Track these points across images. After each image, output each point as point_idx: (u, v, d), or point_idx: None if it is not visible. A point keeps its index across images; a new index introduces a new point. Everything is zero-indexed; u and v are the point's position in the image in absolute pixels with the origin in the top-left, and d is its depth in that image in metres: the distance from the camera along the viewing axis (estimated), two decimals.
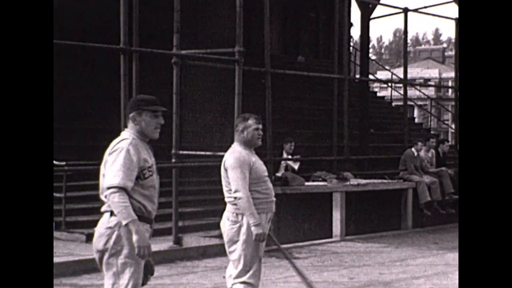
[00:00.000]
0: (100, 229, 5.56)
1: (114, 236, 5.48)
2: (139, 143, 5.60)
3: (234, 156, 7.09)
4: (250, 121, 7.14)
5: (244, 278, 7.03)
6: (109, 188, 5.40)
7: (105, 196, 5.50)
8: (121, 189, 5.38)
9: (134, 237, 5.36)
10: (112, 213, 5.47)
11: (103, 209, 5.59)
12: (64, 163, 13.05)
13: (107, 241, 5.49)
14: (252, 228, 6.89)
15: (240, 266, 7.04)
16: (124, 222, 5.35)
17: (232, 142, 7.33)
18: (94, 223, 14.37)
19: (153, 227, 5.82)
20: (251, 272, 7.04)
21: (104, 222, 5.54)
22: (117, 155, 5.50)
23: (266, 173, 7.19)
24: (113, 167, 5.48)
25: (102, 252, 5.55)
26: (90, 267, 10.85)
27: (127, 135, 5.63)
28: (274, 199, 7.24)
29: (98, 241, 5.55)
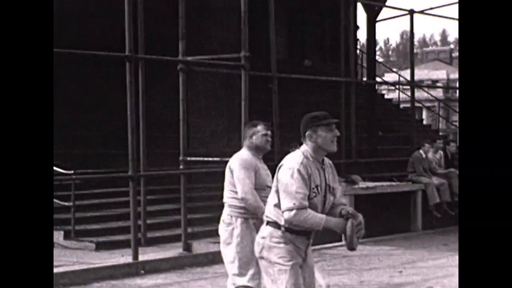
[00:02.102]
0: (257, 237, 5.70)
1: (266, 246, 5.54)
2: (310, 162, 5.51)
3: (241, 158, 7.13)
4: (259, 127, 7.22)
5: (242, 282, 6.99)
6: (286, 210, 5.40)
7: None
8: (301, 209, 5.38)
9: (335, 227, 5.55)
10: (268, 223, 5.57)
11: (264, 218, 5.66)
12: (71, 171, 13.07)
13: (261, 250, 5.56)
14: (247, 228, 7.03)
15: (235, 270, 7.02)
16: (321, 227, 5.47)
17: (239, 147, 7.32)
18: (104, 231, 14.46)
19: (310, 238, 5.69)
20: (248, 275, 7.00)
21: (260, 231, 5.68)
22: (290, 176, 5.43)
23: (269, 183, 7.05)
24: (286, 188, 5.42)
25: (259, 259, 5.66)
26: (99, 275, 10.88)
27: (299, 155, 5.54)
28: None
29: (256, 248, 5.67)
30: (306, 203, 5.38)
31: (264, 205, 6.89)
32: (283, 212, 5.39)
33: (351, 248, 5.79)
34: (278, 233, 5.47)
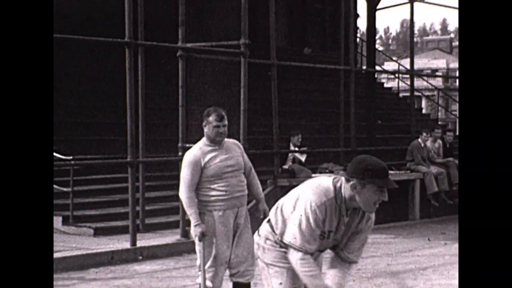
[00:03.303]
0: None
1: (261, 247, 5.20)
2: (334, 207, 4.87)
3: (186, 154, 7.11)
4: (211, 118, 7.02)
5: (201, 279, 7.03)
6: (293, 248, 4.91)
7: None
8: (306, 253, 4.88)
9: None
10: (269, 220, 5.13)
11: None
12: (71, 157, 13.08)
13: (257, 250, 5.20)
14: (191, 228, 6.99)
15: (197, 264, 7.09)
16: None
17: (238, 134, 7.38)
18: (102, 217, 14.47)
19: None
20: (209, 274, 7.02)
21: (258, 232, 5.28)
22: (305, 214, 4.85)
23: (229, 169, 7.05)
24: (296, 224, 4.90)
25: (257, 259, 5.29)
26: (98, 261, 10.91)
27: (329, 190, 4.85)
28: (239, 194, 7.13)
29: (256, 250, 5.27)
30: (313, 247, 4.90)
31: (223, 195, 6.88)
32: (288, 242, 4.90)
33: None
34: (275, 237, 5.05)
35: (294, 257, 4.89)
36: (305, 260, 4.87)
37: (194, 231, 6.97)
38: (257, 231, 5.23)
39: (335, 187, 4.85)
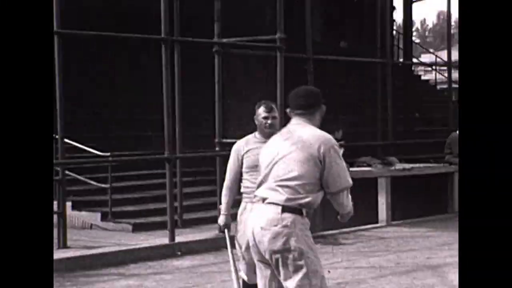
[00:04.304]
0: (273, 228, 4.88)
1: (294, 236, 4.87)
2: None
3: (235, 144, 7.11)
4: (260, 109, 7.01)
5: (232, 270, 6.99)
6: (343, 191, 4.98)
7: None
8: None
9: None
10: (284, 209, 4.89)
11: (272, 200, 4.95)
12: (108, 154, 13.15)
13: (286, 241, 4.86)
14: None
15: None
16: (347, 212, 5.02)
17: None
18: (140, 213, 14.52)
19: None
20: (243, 266, 6.99)
21: (277, 219, 4.88)
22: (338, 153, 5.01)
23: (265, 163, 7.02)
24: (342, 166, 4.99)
25: (281, 253, 4.88)
26: (136, 256, 10.96)
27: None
28: None
29: (274, 241, 4.87)
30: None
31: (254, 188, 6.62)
32: (337, 192, 4.93)
33: None
34: (305, 220, 4.92)
35: (346, 197, 4.98)
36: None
37: (219, 221, 7.12)
38: (266, 219, 4.90)
39: (315, 125, 5.11)
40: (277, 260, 4.89)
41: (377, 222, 14.58)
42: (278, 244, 4.86)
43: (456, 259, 11.07)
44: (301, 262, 4.86)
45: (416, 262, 10.66)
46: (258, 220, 4.95)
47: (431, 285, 9.17)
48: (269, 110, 7.00)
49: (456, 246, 12.68)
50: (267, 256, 4.95)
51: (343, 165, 4.98)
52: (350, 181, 5.00)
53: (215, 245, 11.79)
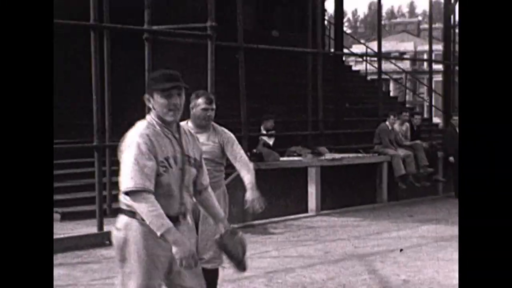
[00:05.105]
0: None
1: (121, 240, 4.91)
2: (157, 132, 4.80)
3: None
4: (200, 100, 6.88)
5: None
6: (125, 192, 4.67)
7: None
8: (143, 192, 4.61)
9: (173, 249, 4.58)
10: (122, 211, 4.81)
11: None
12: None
13: (117, 245, 4.95)
14: None
15: None
16: (158, 233, 4.57)
17: None
18: (69, 202, 14.20)
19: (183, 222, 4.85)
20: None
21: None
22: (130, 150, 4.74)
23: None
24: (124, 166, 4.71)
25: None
26: (64, 246, 10.87)
27: (143, 123, 4.86)
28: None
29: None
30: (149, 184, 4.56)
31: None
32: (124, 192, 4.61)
33: (243, 268, 5.08)
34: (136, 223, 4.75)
35: (137, 201, 4.59)
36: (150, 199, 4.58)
37: None
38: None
39: (147, 120, 4.81)
40: None
41: (306, 212, 14.67)
42: None
43: (383, 247, 11.27)
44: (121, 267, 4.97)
45: (345, 251, 10.75)
46: None
47: (359, 273, 9.26)
48: (209, 102, 6.90)
49: (384, 235, 12.92)
50: None
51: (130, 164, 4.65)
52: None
53: None
